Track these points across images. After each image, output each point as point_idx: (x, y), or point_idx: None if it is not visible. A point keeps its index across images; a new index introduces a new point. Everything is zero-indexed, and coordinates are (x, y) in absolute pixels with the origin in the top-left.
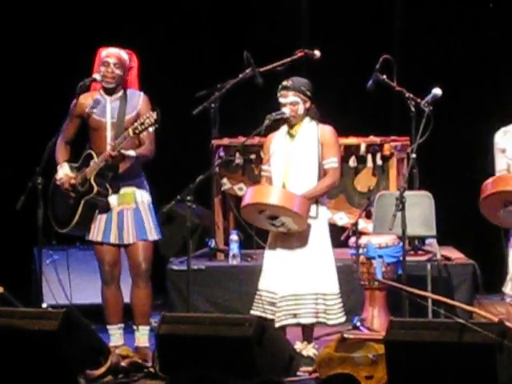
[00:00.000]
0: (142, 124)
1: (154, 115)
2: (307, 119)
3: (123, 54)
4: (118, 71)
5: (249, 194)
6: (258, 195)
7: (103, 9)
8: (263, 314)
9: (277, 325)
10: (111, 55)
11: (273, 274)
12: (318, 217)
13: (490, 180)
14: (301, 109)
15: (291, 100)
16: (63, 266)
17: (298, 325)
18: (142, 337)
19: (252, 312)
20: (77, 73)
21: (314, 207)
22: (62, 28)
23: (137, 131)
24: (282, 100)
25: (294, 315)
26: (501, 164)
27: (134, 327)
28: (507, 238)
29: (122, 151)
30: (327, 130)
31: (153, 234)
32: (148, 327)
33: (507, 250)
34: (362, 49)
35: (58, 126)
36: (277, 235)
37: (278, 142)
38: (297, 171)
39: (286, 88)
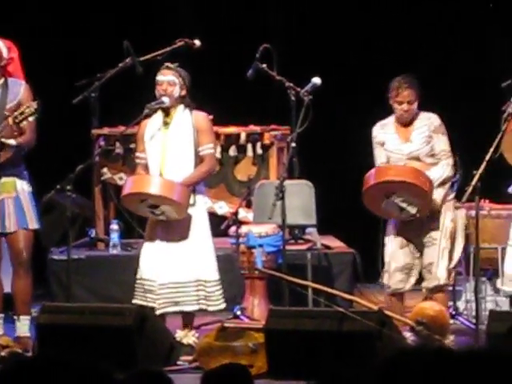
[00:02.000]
0: (22, 113)
1: (34, 105)
2: (181, 107)
3: (0, 44)
4: None
5: (129, 184)
6: (139, 185)
7: None
8: (144, 303)
9: (158, 312)
10: None
11: (152, 261)
12: (195, 204)
13: (372, 171)
14: (177, 91)
15: (169, 79)
16: None
17: (179, 313)
18: (23, 327)
19: (134, 301)
20: None
21: (191, 195)
22: None
23: (17, 120)
24: (159, 77)
25: (176, 303)
26: (381, 157)
27: (15, 317)
28: (385, 229)
29: (2, 140)
30: (201, 117)
31: (33, 223)
32: (29, 317)
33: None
34: (243, 38)
35: None
36: (155, 223)
37: (152, 130)
38: (173, 159)
39: (167, 67)
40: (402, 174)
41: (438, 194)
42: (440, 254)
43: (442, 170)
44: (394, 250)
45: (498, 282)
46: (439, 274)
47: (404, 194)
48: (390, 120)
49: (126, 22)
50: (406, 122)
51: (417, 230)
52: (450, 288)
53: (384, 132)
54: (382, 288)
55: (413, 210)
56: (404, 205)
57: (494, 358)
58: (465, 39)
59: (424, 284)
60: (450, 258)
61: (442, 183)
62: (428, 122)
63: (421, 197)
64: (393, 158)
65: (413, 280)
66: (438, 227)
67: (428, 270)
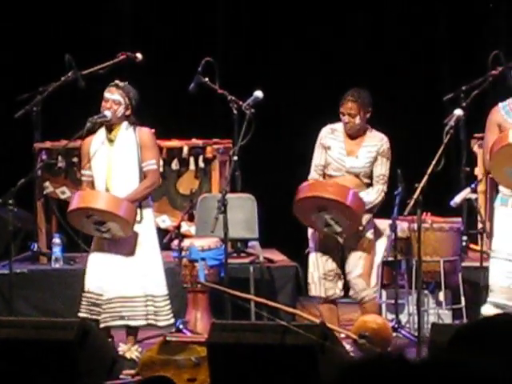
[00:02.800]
0: None
1: None
2: (125, 124)
3: None
4: None
5: (76, 199)
6: (86, 200)
7: None
8: (89, 315)
9: (102, 326)
10: None
11: (99, 275)
12: (142, 221)
13: (307, 183)
14: (120, 111)
15: (115, 98)
16: None
17: (125, 327)
18: None
19: (79, 314)
20: None
21: (137, 211)
22: None
23: None
24: (107, 95)
25: (121, 317)
26: (320, 159)
27: None
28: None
29: None
30: (145, 133)
31: None
32: None
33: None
34: (185, 51)
35: None
36: (103, 238)
37: (97, 147)
38: (118, 175)
39: (115, 85)
40: (341, 195)
41: (364, 218)
42: (363, 267)
43: (376, 194)
44: (317, 260)
45: (441, 295)
46: (361, 287)
47: (336, 213)
48: (340, 127)
49: (68, 36)
50: (353, 135)
51: (335, 241)
52: (375, 299)
53: (333, 137)
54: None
55: (338, 229)
56: (332, 222)
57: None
58: (410, 53)
59: (350, 294)
60: (370, 271)
61: (372, 207)
62: (379, 143)
63: (351, 219)
64: (332, 166)
65: (340, 285)
66: (358, 240)
67: (352, 282)
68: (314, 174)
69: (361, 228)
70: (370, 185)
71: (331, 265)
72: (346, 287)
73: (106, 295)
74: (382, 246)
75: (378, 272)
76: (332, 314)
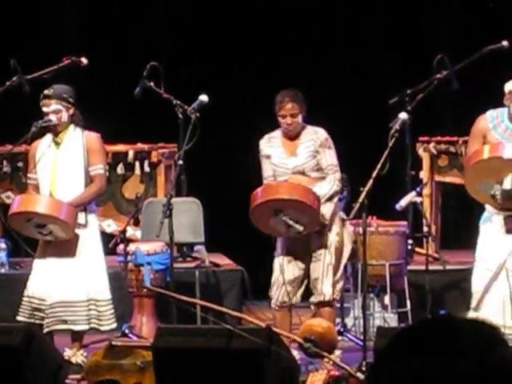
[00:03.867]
0: None
1: None
2: (72, 127)
3: None
4: None
5: (16, 203)
6: (25, 204)
7: None
8: (31, 320)
9: (45, 330)
10: None
11: (42, 280)
12: (87, 225)
13: (260, 189)
14: (64, 116)
15: (53, 108)
16: None
17: (69, 331)
18: None
19: (18, 318)
20: None
21: (82, 215)
22: None
23: None
24: (44, 109)
25: (64, 321)
26: (267, 171)
27: None
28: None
29: None
30: (92, 137)
31: None
32: None
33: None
34: (130, 56)
35: None
36: (48, 242)
37: (43, 150)
38: (64, 179)
39: (47, 97)
40: (291, 193)
41: (326, 209)
42: (325, 270)
43: (329, 185)
44: (283, 264)
45: (386, 299)
46: (324, 290)
47: (292, 212)
48: (278, 133)
49: (13, 40)
50: (292, 136)
51: (305, 245)
52: (338, 304)
53: (270, 145)
54: (269, 305)
55: (300, 228)
56: (291, 222)
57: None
58: (355, 54)
59: (311, 299)
60: (335, 273)
61: (330, 198)
62: (314, 136)
63: (309, 215)
64: (278, 172)
65: (299, 294)
66: (325, 243)
67: (314, 286)
68: None
69: (326, 222)
70: (322, 179)
71: (297, 272)
72: (309, 291)
73: (49, 300)
74: (348, 249)
75: (342, 277)
76: (284, 319)
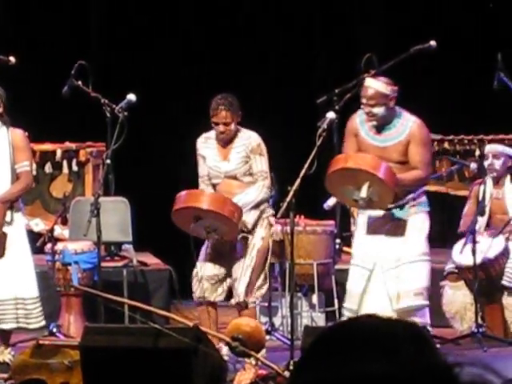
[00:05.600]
0: None
1: None
2: None
3: None
4: None
5: None
6: None
7: None
8: None
9: None
10: None
11: None
12: (12, 222)
13: (184, 193)
14: None
15: None
16: None
17: None
18: None
19: None
20: None
21: (8, 212)
22: None
23: None
24: None
25: None
26: (203, 170)
27: None
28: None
29: None
30: (18, 134)
31: None
32: None
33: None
34: (58, 54)
35: None
36: None
37: None
38: None
39: None
40: (210, 203)
41: (250, 217)
42: (243, 271)
43: (257, 192)
44: (204, 260)
45: (314, 298)
46: (239, 291)
47: (211, 221)
48: (214, 134)
49: None
50: (224, 142)
51: (228, 247)
52: (255, 304)
53: (206, 146)
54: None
55: (216, 236)
56: (209, 229)
57: None
58: (283, 54)
59: (231, 301)
60: (257, 276)
61: (256, 206)
62: (247, 141)
63: (227, 225)
64: (211, 174)
65: (220, 291)
66: (248, 245)
67: (233, 287)
68: (202, 186)
69: (249, 227)
70: (253, 183)
71: (218, 270)
72: (231, 292)
73: None
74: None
75: (266, 281)
76: (210, 317)
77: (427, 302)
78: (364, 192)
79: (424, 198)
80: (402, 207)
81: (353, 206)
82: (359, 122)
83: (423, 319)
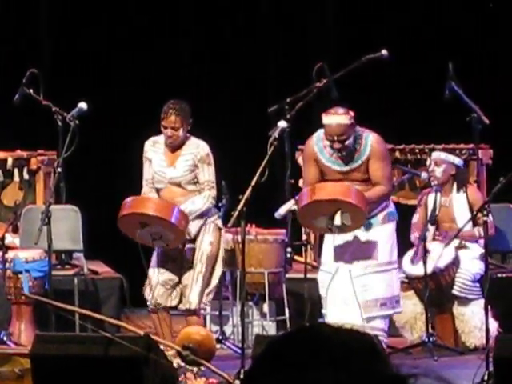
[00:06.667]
0: None
1: None
2: None
3: None
4: None
5: None
6: None
7: None
8: None
9: None
10: None
11: None
12: None
13: (130, 199)
14: None
15: None
16: None
17: None
18: None
19: None
20: None
21: None
22: None
23: None
24: None
25: None
26: (147, 173)
27: None
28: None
29: None
30: None
31: None
32: None
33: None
34: (9, 62)
35: None
36: None
37: None
38: None
39: None
40: (156, 209)
41: (193, 227)
42: (194, 279)
43: (203, 201)
44: (157, 266)
45: (265, 307)
46: (191, 298)
47: (157, 227)
48: (162, 139)
49: None
50: (172, 147)
51: (177, 253)
52: (203, 311)
53: (154, 150)
54: (148, 311)
55: (162, 243)
56: (155, 236)
57: None
58: (235, 63)
59: (179, 306)
60: (207, 283)
61: (201, 215)
62: (195, 150)
63: (174, 232)
64: (155, 179)
65: (174, 295)
66: (197, 252)
67: (183, 293)
68: (145, 189)
69: (191, 235)
70: (198, 192)
71: (171, 275)
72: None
73: None
74: (220, 259)
75: (212, 287)
76: (165, 324)
77: (391, 311)
78: (338, 220)
79: (392, 207)
80: (369, 218)
81: (327, 233)
82: (318, 149)
83: (382, 325)
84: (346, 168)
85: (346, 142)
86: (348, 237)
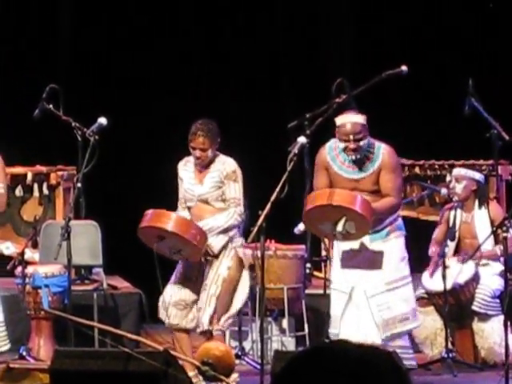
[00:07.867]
0: None
1: None
2: None
3: None
4: None
5: None
6: None
7: None
8: None
9: None
10: None
11: None
12: None
13: (151, 211)
14: None
15: None
16: None
17: None
18: None
19: None
20: None
21: None
22: None
23: None
24: None
25: None
26: (180, 193)
27: None
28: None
29: None
30: None
31: None
32: None
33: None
34: (30, 77)
35: None
36: None
37: None
38: None
39: None
40: (173, 225)
41: (216, 241)
42: (207, 301)
43: (227, 217)
44: (172, 285)
45: (284, 323)
46: (202, 320)
47: (174, 242)
48: (193, 158)
49: None
50: (202, 167)
51: (196, 272)
52: (220, 333)
53: (185, 169)
54: (167, 328)
55: (181, 256)
56: (173, 250)
57: None
58: (256, 79)
59: (197, 330)
60: (227, 307)
61: (224, 231)
62: (222, 167)
63: (189, 247)
64: (186, 197)
65: (191, 317)
66: (214, 274)
67: (198, 316)
68: (179, 208)
69: (214, 253)
70: (225, 209)
71: (185, 295)
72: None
73: None
74: (246, 280)
75: (235, 311)
76: (182, 343)
77: (413, 325)
78: (340, 227)
79: (400, 221)
80: (378, 231)
81: (330, 239)
82: (330, 157)
83: (405, 342)
84: (356, 176)
85: (361, 143)
86: (357, 252)
